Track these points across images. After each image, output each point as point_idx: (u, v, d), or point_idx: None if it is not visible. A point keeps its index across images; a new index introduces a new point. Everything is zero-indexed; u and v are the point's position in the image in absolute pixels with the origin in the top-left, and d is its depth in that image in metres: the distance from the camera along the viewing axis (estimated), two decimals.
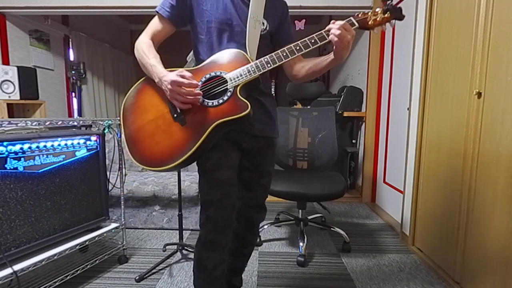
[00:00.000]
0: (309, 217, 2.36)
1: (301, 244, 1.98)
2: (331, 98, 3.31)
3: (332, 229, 2.23)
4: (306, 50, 1.01)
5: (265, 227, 2.39)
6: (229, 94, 1.00)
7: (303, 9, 2.80)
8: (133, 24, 5.38)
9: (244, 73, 1.01)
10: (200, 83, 1.03)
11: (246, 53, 1.05)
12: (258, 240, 2.17)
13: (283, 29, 1.20)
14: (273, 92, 1.34)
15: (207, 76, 1.04)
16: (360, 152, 3.27)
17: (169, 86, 0.97)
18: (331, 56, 1.04)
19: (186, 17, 1.12)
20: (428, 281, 1.71)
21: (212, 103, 1.01)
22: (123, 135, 1.10)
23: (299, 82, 1.32)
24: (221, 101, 1.00)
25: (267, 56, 1.01)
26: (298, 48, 1.00)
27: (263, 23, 1.11)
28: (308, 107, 2.52)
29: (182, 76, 0.97)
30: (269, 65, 1.01)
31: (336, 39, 0.94)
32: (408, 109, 2.17)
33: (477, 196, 1.46)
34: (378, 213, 2.82)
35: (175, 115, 1.03)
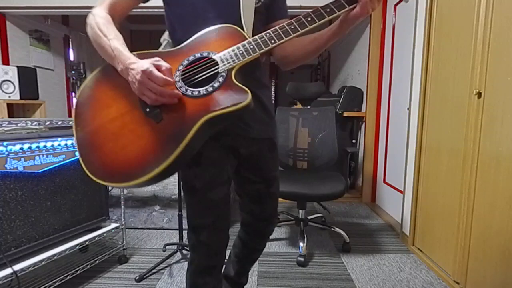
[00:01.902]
0: (309, 217, 2.36)
1: (301, 244, 1.98)
2: (331, 98, 3.31)
3: (332, 229, 2.23)
4: (320, 22, 0.79)
5: None
6: (221, 79, 0.76)
7: (303, 9, 2.80)
8: (133, 24, 5.38)
9: (240, 52, 0.78)
10: (181, 68, 0.80)
11: (243, 28, 0.83)
12: None
13: (278, 2, 0.99)
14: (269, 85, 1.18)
15: (190, 58, 0.80)
16: (360, 152, 3.27)
17: (138, 77, 0.72)
18: (334, 27, 0.85)
19: None
20: (428, 281, 1.71)
21: (199, 92, 0.76)
22: (74, 138, 0.83)
23: (290, 66, 1.00)
24: (210, 88, 0.76)
25: (269, 31, 0.79)
26: (309, 19, 0.79)
27: None
28: (308, 107, 2.52)
29: (158, 68, 0.74)
30: (273, 42, 0.78)
31: (362, 3, 0.77)
32: (408, 109, 2.17)
33: (477, 196, 1.46)
34: (378, 213, 2.82)
35: (148, 110, 0.77)
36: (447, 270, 1.70)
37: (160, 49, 1.01)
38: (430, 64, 1.90)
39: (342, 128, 3.23)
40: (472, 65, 1.50)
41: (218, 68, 0.78)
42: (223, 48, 0.79)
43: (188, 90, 0.77)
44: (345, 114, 3.11)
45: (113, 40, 0.80)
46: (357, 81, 3.44)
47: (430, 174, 1.89)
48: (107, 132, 0.79)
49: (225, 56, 0.78)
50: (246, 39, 0.80)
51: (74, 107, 0.85)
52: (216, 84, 0.76)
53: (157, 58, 0.76)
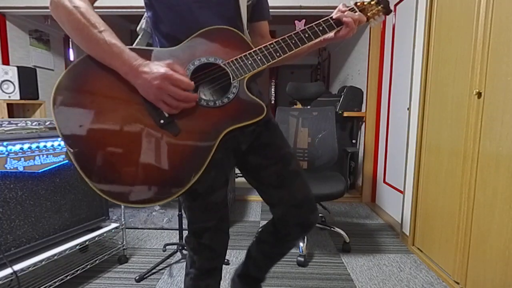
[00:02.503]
0: None
1: (301, 244, 1.98)
2: (331, 98, 3.31)
3: (332, 229, 2.23)
4: (316, 40, 0.87)
5: None
6: (234, 90, 0.76)
7: (303, 9, 2.80)
8: (133, 24, 5.37)
9: (249, 62, 0.78)
10: (188, 73, 0.74)
11: (243, 34, 0.83)
12: None
13: (263, 2, 0.99)
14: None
15: (196, 62, 0.76)
16: (360, 152, 3.27)
17: (157, 82, 0.66)
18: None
19: None
20: (428, 281, 1.71)
21: (214, 103, 0.74)
22: (67, 146, 0.68)
23: (282, 64, 0.98)
24: (225, 100, 0.75)
25: (273, 43, 0.81)
26: (307, 35, 0.84)
27: None
28: (308, 107, 2.52)
29: (176, 71, 0.68)
30: (278, 55, 0.81)
31: (348, 28, 0.86)
32: (408, 109, 2.17)
33: (477, 196, 1.46)
34: (378, 213, 2.82)
35: (162, 121, 0.70)
36: (447, 270, 1.70)
37: (137, 40, 0.95)
38: (430, 64, 1.90)
39: (342, 128, 3.23)
40: (472, 65, 1.50)
41: (229, 78, 0.77)
42: (230, 55, 0.78)
43: (202, 100, 0.74)
44: (345, 114, 3.11)
45: (106, 33, 0.68)
46: (357, 81, 3.44)
47: (430, 174, 1.89)
48: (117, 145, 0.69)
49: (236, 66, 0.77)
50: (251, 48, 0.80)
51: (54, 116, 0.68)
52: (231, 96, 0.76)
53: (170, 61, 0.70)
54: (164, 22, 0.83)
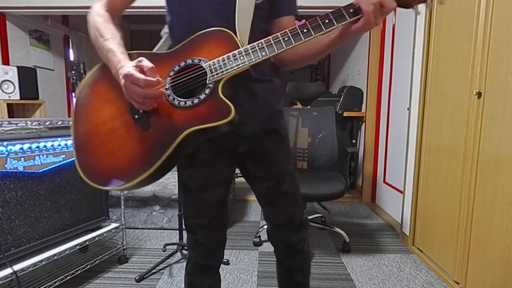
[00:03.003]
0: (309, 217, 2.36)
1: None
2: (331, 98, 3.31)
3: (332, 229, 2.23)
4: (316, 35, 0.73)
5: (265, 227, 2.38)
6: (207, 91, 0.74)
7: (303, 9, 2.80)
8: (133, 24, 5.38)
9: (230, 63, 0.74)
10: (172, 74, 0.78)
11: (236, 33, 0.78)
12: (258, 240, 2.17)
13: None
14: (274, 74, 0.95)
15: (181, 64, 0.78)
16: (360, 152, 3.27)
17: (123, 82, 0.71)
18: (333, 35, 0.81)
19: None
20: (428, 281, 1.71)
21: (185, 103, 0.75)
22: (72, 139, 0.85)
23: (288, 68, 0.95)
24: (196, 101, 0.74)
25: (262, 41, 0.74)
26: (305, 30, 0.73)
27: None
28: (308, 107, 2.52)
29: (140, 69, 0.71)
30: (264, 54, 0.74)
31: (369, 17, 0.71)
32: (408, 109, 2.17)
33: (477, 196, 1.46)
34: (378, 213, 2.82)
35: (136, 117, 0.77)
36: (447, 270, 1.70)
37: (160, 43, 0.98)
38: (430, 64, 1.90)
39: (342, 128, 3.23)
40: (472, 65, 1.50)
41: (206, 79, 0.75)
42: (213, 55, 0.76)
43: (176, 100, 0.76)
44: (345, 114, 3.11)
45: (109, 41, 0.78)
46: (357, 81, 3.44)
47: (430, 174, 1.89)
48: (98, 136, 0.80)
49: (214, 66, 0.75)
50: (239, 47, 0.75)
51: (74, 106, 0.85)
52: (202, 96, 0.74)
53: (140, 59, 0.72)
54: (175, 30, 0.88)
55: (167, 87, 0.77)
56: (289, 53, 0.85)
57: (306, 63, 0.92)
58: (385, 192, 2.76)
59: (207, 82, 0.75)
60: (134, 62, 0.72)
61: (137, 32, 5.39)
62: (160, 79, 0.73)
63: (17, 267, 1.32)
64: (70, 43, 3.89)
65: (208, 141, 0.81)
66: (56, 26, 3.62)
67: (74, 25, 3.91)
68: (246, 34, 0.80)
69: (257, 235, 2.20)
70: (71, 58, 3.93)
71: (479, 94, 1.45)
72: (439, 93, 1.80)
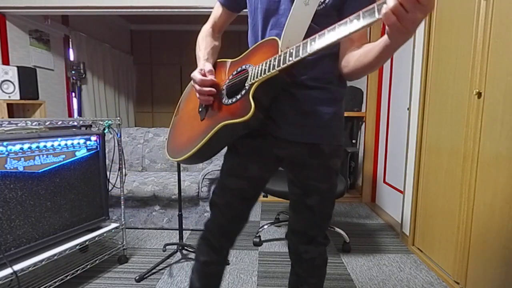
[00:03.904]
0: None
1: None
2: None
3: (332, 229, 2.23)
4: (344, 35, 0.62)
5: (265, 227, 2.39)
6: (243, 92, 0.83)
7: None
8: (133, 24, 5.38)
9: (264, 68, 0.77)
10: (230, 77, 0.92)
11: (279, 39, 0.79)
12: (258, 240, 2.17)
13: (348, 2, 0.84)
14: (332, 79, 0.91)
15: (238, 69, 0.91)
16: (360, 152, 3.27)
17: (191, 82, 0.95)
18: (383, 39, 0.69)
19: (242, 0, 0.99)
20: (428, 281, 1.71)
21: (228, 101, 0.88)
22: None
23: (348, 78, 0.90)
24: (234, 100, 0.85)
25: (294, 46, 0.72)
26: (332, 33, 0.65)
27: None
28: None
29: (202, 72, 0.91)
30: (291, 59, 0.71)
31: (390, 27, 0.57)
32: (408, 109, 2.17)
33: (477, 196, 1.46)
34: (378, 213, 2.82)
35: (200, 110, 0.98)
36: (447, 270, 1.70)
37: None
38: (430, 64, 1.90)
39: None
40: (472, 65, 1.50)
41: (247, 82, 0.84)
42: (258, 62, 0.82)
43: (224, 98, 0.90)
44: (345, 114, 3.10)
45: (202, 50, 1.00)
46: (357, 81, 3.44)
47: (430, 174, 1.89)
48: (180, 121, 1.07)
49: (254, 71, 0.81)
50: (277, 53, 0.76)
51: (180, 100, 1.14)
52: (238, 96, 0.84)
53: (203, 64, 0.94)
54: (248, 42, 1.00)
55: (224, 87, 0.92)
56: (350, 57, 0.83)
57: (368, 71, 0.83)
58: (385, 192, 2.76)
59: (245, 84, 0.83)
60: (199, 67, 0.94)
61: (137, 32, 5.38)
62: (214, 79, 0.92)
63: (17, 267, 1.32)
64: (70, 43, 3.88)
65: (248, 137, 0.91)
66: (56, 26, 3.61)
67: (74, 25, 3.91)
68: (297, 42, 0.74)
69: (257, 235, 2.20)
70: (71, 58, 3.92)
71: (479, 94, 1.45)
72: (439, 93, 1.80)
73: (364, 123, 3.12)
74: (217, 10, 1.07)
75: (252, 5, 0.95)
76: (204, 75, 0.91)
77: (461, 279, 1.57)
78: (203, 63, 0.96)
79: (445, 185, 1.73)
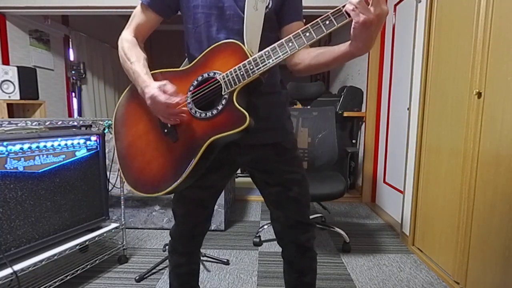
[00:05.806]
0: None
1: None
2: (331, 98, 3.31)
3: (332, 229, 2.23)
4: (318, 37, 0.72)
5: (265, 227, 2.38)
6: (224, 102, 0.80)
7: (303, 9, 2.79)
8: None
9: (241, 73, 0.78)
10: (191, 88, 0.85)
11: (244, 44, 0.81)
12: (258, 240, 2.17)
13: (288, 4, 0.94)
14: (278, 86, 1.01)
15: (199, 78, 0.84)
16: (360, 152, 3.27)
17: (149, 102, 0.82)
18: (346, 44, 0.76)
19: (173, 3, 0.94)
20: (428, 281, 1.71)
21: (205, 114, 0.82)
22: (115, 152, 0.97)
23: (299, 74, 0.95)
24: (214, 112, 0.81)
25: (268, 49, 0.76)
26: (308, 34, 0.72)
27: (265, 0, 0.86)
28: (308, 107, 2.52)
29: (164, 91, 0.80)
30: (270, 61, 0.75)
31: (358, 19, 0.66)
32: (408, 109, 2.17)
33: (477, 196, 1.46)
34: (378, 213, 2.82)
35: (166, 130, 0.87)
36: (447, 270, 1.70)
37: (184, 62, 1.04)
38: (430, 64, 1.90)
39: (342, 128, 3.23)
40: (472, 65, 1.50)
41: (221, 90, 0.81)
42: (227, 67, 0.80)
43: (197, 112, 0.83)
44: (345, 114, 3.11)
45: (134, 63, 0.87)
46: (357, 81, 3.44)
47: (430, 174, 1.89)
48: (137, 148, 0.92)
49: (228, 78, 0.80)
50: (248, 57, 0.78)
51: (113, 123, 0.99)
52: (220, 107, 0.81)
53: (163, 82, 0.81)
54: (189, 47, 0.95)
55: (189, 101, 0.84)
56: (305, 56, 0.88)
57: (319, 70, 0.91)
58: (385, 192, 2.76)
59: (223, 93, 0.80)
60: (158, 84, 0.81)
61: None
62: (180, 100, 0.82)
63: (17, 267, 1.32)
64: (70, 43, 3.89)
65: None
66: (56, 26, 3.61)
67: (74, 25, 3.91)
68: (256, 45, 0.84)
69: (257, 235, 2.20)
70: (71, 58, 3.93)
71: (479, 94, 1.45)
72: (439, 93, 1.80)
73: (364, 123, 3.12)
74: (140, 14, 0.96)
75: (191, 4, 0.89)
76: (171, 94, 0.80)
77: (461, 279, 1.57)
78: (150, 81, 0.84)
79: (445, 185, 1.73)
